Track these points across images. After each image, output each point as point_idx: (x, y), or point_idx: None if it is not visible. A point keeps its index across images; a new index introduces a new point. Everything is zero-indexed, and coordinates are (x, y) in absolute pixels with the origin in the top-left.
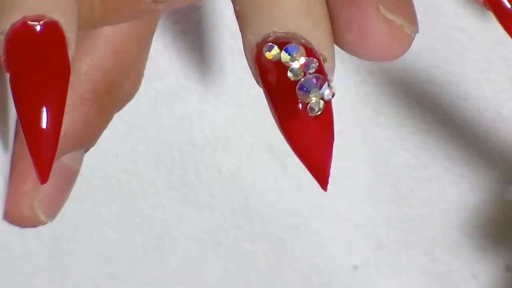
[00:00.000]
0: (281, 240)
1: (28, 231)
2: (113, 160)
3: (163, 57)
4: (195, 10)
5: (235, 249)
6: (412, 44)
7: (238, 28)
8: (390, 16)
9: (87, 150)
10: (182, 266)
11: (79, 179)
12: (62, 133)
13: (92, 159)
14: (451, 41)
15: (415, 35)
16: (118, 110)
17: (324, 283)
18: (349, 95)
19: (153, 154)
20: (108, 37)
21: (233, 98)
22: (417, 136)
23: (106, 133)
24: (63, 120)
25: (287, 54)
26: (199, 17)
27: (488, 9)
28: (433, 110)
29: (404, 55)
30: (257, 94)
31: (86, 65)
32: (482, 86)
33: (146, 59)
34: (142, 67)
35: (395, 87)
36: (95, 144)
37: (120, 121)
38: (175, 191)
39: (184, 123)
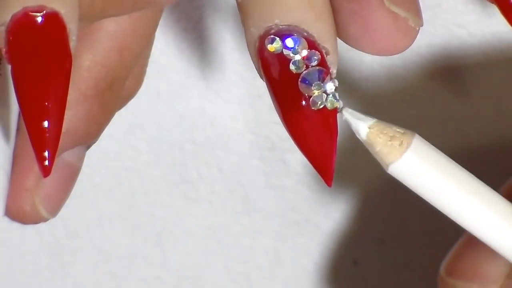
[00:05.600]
0: (281, 236)
1: (29, 229)
2: (114, 158)
3: (163, 55)
4: (196, 9)
5: (236, 246)
6: None
7: (240, 22)
8: (394, 8)
9: (88, 147)
10: (183, 263)
11: (79, 176)
12: (64, 130)
13: (93, 156)
14: (451, 37)
15: (419, 28)
16: (120, 108)
17: (324, 279)
18: (349, 91)
19: (153, 152)
20: (111, 33)
21: (234, 96)
22: (417, 132)
23: (106, 131)
24: (65, 116)
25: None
26: (200, 15)
27: (492, 3)
28: (433, 106)
29: (404, 51)
30: (258, 91)
31: (88, 61)
32: (482, 82)
33: (148, 56)
34: (145, 64)
35: (395, 83)
36: (96, 142)
37: (120, 119)
38: (175, 188)
39: (184, 120)
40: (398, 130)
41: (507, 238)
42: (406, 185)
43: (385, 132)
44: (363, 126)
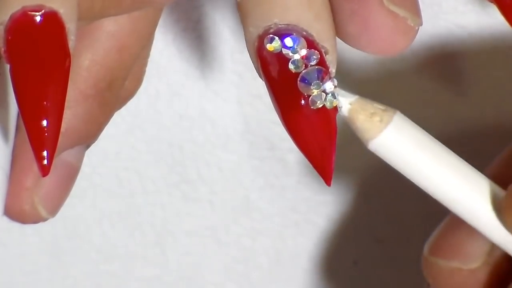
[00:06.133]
0: (281, 236)
1: (28, 229)
2: (114, 158)
3: (163, 56)
4: (195, 9)
5: (236, 246)
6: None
7: (239, 23)
8: (393, 8)
9: (88, 147)
10: (183, 263)
11: (79, 176)
12: (63, 129)
13: (92, 157)
14: (451, 37)
15: (418, 27)
16: (119, 108)
17: (324, 279)
18: (348, 91)
19: (153, 152)
20: (110, 33)
21: (233, 96)
22: None
23: (106, 131)
24: (65, 116)
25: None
26: (200, 15)
27: (492, 2)
28: (432, 107)
29: (404, 51)
30: (257, 91)
31: (87, 60)
32: (482, 82)
33: (148, 56)
34: (144, 64)
35: (395, 83)
36: (96, 142)
37: (120, 119)
38: (175, 188)
39: (184, 120)
40: (379, 107)
41: (485, 214)
42: (386, 161)
43: (366, 108)
44: (344, 102)
